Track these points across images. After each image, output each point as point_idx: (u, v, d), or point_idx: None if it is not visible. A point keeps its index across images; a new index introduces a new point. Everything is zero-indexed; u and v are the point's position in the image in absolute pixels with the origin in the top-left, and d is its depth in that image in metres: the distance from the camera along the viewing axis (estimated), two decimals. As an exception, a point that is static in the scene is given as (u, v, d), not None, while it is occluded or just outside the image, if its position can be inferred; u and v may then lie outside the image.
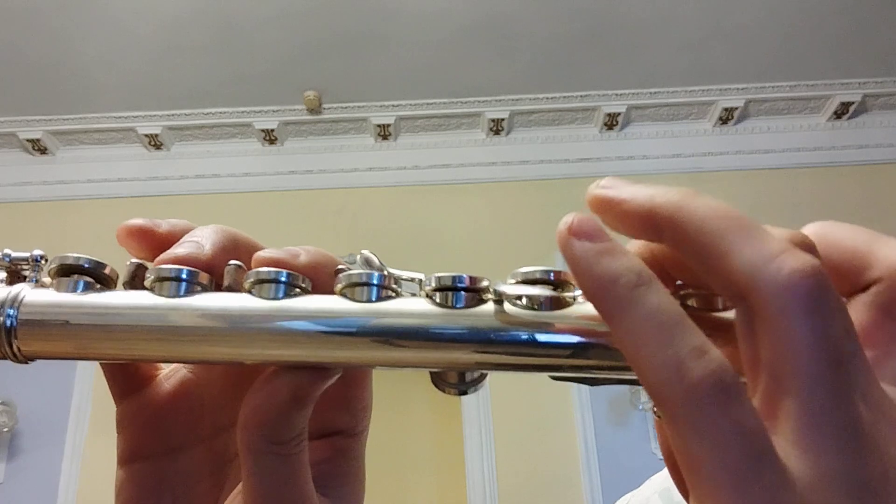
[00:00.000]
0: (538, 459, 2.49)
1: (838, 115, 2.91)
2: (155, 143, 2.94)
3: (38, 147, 2.92)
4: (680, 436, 0.15)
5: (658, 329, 0.15)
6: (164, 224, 0.24)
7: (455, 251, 2.80)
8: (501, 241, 2.82)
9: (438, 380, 0.22)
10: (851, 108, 2.88)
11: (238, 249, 0.24)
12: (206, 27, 2.44)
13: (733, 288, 0.16)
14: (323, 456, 0.26)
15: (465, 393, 0.22)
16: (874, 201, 2.88)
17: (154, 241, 0.24)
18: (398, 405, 2.88)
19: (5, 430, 2.51)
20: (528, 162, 2.97)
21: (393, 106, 2.86)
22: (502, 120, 2.91)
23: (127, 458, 0.26)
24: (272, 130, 2.90)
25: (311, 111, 2.83)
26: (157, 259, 0.23)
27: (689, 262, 0.18)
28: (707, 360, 0.15)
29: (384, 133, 2.95)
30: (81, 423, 2.56)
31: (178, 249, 0.23)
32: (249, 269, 0.22)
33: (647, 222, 0.18)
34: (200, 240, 0.23)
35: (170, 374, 0.26)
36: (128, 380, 0.26)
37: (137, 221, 0.24)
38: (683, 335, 0.15)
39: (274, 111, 2.86)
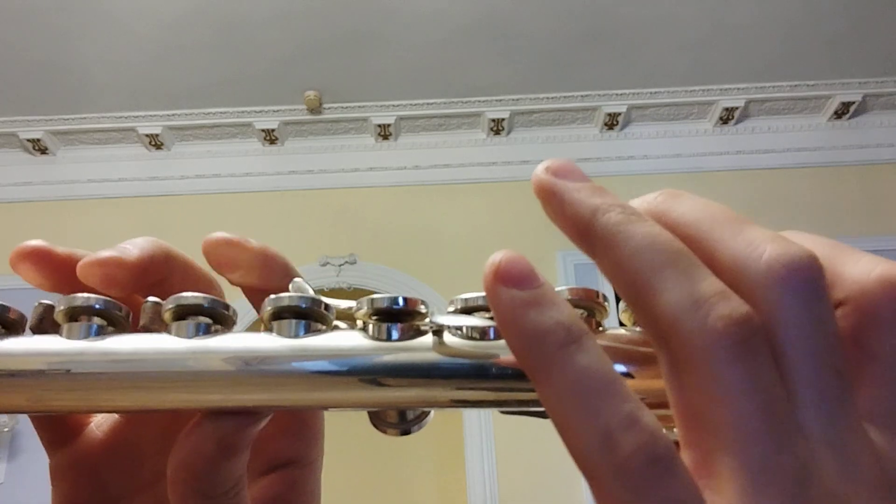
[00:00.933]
0: (538, 459, 2.49)
1: (839, 114, 2.91)
2: (155, 142, 2.94)
3: (39, 147, 2.92)
4: None
5: (585, 395, 0.14)
6: (63, 248, 0.22)
7: (455, 251, 2.80)
8: (501, 241, 2.82)
9: (377, 420, 0.20)
10: (852, 108, 2.88)
11: (169, 263, 0.22)
12: (207, 27, 2.44)
13: (656, 330, 0.15)
14: (273, 492, 0.24)
15: (407, 433, 0.21)
16: (874, 201, 2.88)
17: (51, 265, 0.22)
18: (398, 405, 2.88)
19: (6, 429, 2.52)
20: (529, 162, 2.97)
21: (393, 106, 2.86)
22: (503, 120, 2.91)
23: None
24: (272, 130, 2.91)
25: (312, 111, 2.83)
26: (80, 264, 0.21)
27: (618, 292, 0.16)
28: (637, 430, 0.14)
29: (384, 133, 2.95)
30: (82, 422, 2.56)
31: (102, 252, 0.21)
32: (174, 294, 0.20)
33: (582, 237, 0.17)
34: (129, 246, 0.22)
35: (101, 422, 0.25)
36: (58, 430, 0.24)
37: (33, 243, 0.22)
38: (613, 402, 0.14)
39: (274, 111, 2.86)
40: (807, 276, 0.15)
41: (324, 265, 2.81)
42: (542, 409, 0.18)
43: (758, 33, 2.55)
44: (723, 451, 0.14)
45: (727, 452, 0.14)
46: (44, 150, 2.94)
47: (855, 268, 0.17)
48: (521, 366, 0.15)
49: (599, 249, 0.16)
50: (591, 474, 0.14)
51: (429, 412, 0.21)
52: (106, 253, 0.21)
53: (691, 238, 0.17)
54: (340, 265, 2.82)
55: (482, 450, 2.55)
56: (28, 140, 2.88)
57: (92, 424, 0.25)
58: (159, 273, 0.22)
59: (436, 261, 2.81)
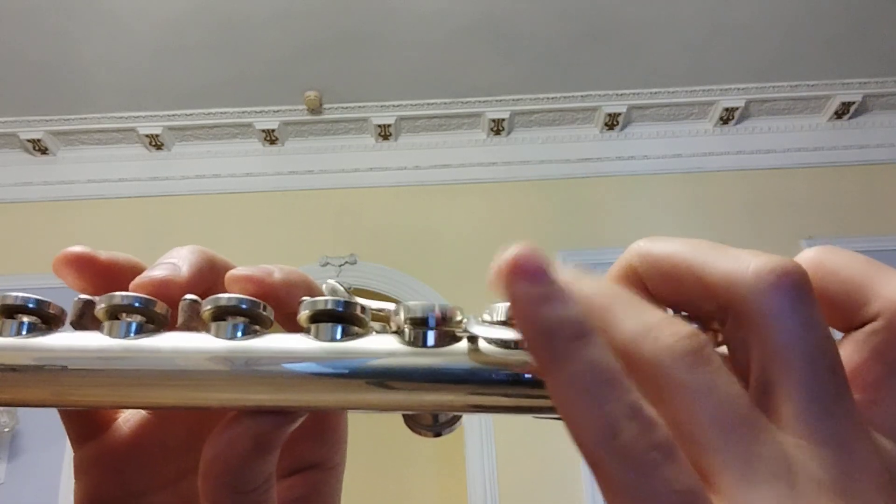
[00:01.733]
0: (539, 459, 2.49)
1: (839, 115, 2.91)
2: (156, 143, 2.94)
3: (39, 147, 2.92)
4: (612, 497, 0.15)
5: (592, 385, 0.15)
6: (105, 253, 0.23)
7: (455, 251, 2.80)
8: (501, 241, 2.80)
9: (412, 422, 0.21)
10: (852, 108, 2.88)
11: (214, 271, 0.23)
12: (207, 27, 2.44)
13: (623, 360, 0.16)
14: (296, 494, 0.24)
15: (439, 434, 0.21)
16: (874, 201, 2.88)
17: (93, 271, 0.23)
18: (398, 405, 2.87)
19: (6, 430, 2.52)
20: (529, 162, 2.97)
21: (393, 106, 2.86)
22: (503, 120, 2.91)
23: None
24: (273, 130, 2.91)
25: (312, 111, 2.83)
26: (133, 283, 0.21)
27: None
28: (640, 419, 0.15)
29: (384, 133, 2.95)
30: (82, 423, 2.56)
31: (155, 272, 0.22)
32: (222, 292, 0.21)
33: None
34: (177, 261, 0.22)
35: (129, 417, 0.25)
36: (86, 424, 0.24)
37: (76, 249, 0.23)
38: (617, 393, 0.15)
39: (274, 111, 2.86)
40: (794, 280, 0.16)
41: (324, 265, 2.81)
42: None
43: (758, 33, 2.55)
44: (706, 453, 0.15)
45: (710, 453, 0.15)
46: (44, 151, 2.94)
47: (890, 285, 0.17)
48: (533, 356, 0.16)
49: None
50: (595, 461, 0.15)
51: (460, 417, 0.21)
52: (158, 274, 0.22)
53: (678, 267, 0.18)
54: (340, 265, 2.82)
55: (482, 450, 2.55)
56: (28, 140, 2.89)
57: (119, 420, 0.25)
58: (206, 284, 0.23)
59: (436, 261, 2.81)
